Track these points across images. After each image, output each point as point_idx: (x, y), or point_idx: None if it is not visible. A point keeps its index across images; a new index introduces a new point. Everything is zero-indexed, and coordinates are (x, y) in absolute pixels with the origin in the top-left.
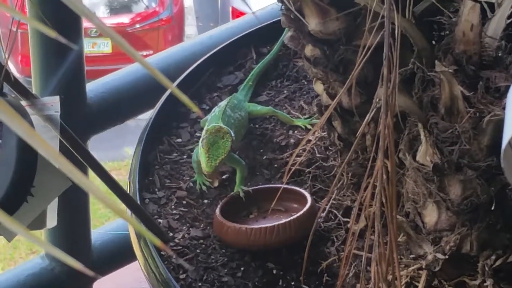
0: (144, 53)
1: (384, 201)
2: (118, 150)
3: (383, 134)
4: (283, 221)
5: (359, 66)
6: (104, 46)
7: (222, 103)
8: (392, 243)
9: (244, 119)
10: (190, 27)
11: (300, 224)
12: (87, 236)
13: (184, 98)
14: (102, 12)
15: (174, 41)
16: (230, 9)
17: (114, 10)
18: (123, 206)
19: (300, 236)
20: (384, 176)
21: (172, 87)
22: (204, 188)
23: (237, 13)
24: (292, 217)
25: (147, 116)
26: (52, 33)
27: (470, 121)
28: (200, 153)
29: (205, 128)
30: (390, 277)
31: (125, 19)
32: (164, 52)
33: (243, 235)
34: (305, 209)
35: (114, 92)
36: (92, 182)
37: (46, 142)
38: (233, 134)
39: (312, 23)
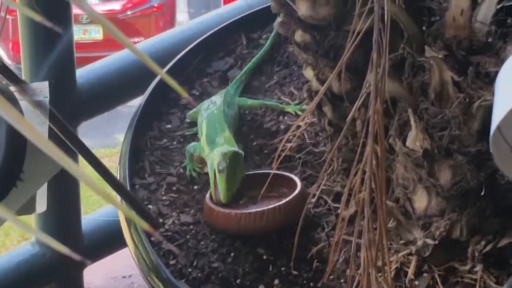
0: (136, 39)
1: (374, 186)
2: (110, 136)
3: (373, 120)
4: (273, 205)
5: (348, 51)
6: (95, 33)
7: (217, 100)
8: (382, 229)
9: (236, 114)
10: (182, 14)
11: (290, 208)
12: (78, 222)
13: (173, 83)
14: None
15: (166, 27)
16: None
17: None
18: (113, 193)
19: (290, 222)
20: (374, 162)
21: (161, 73)
22: (194, 174)
23: None
24: (281, 202)
25: (137, 102)
26: (37, 17)
27: (460, 107)
28: (217, 178)
29: (219, 151)
30: (380, 263)
31: (116, 5)
32: (154, 38)
33: (233, 220)
34: (295, 193)
35: (104, 78)
36: (81, 168)
37: (35, 128)
38: (242, 151)
39: (302, 8)
